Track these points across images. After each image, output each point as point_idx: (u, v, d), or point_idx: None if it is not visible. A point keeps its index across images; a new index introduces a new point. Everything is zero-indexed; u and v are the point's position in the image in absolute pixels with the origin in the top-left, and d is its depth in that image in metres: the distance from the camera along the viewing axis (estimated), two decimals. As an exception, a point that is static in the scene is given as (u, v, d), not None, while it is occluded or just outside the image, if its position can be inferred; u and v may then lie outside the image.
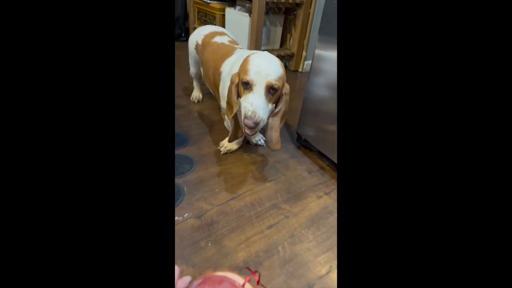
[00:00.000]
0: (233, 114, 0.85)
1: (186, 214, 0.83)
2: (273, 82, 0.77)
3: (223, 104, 1.02)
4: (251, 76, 0.77)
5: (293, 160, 1.14)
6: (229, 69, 0.98)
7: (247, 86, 0.79)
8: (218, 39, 1.21)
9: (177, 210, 0.84)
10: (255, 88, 0.77)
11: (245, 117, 0.77)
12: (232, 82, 0.84)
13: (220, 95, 1.04)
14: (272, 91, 0.79)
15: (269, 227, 0.82)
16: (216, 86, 1.06)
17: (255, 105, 0.76)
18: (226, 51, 1.08)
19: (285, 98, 0.84)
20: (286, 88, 0.84)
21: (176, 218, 0.81)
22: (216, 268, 0.69)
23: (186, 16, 2.63)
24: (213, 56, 1.11)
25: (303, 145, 1.23)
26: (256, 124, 0.76)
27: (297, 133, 1.20)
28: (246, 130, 0.80)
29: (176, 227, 0.78)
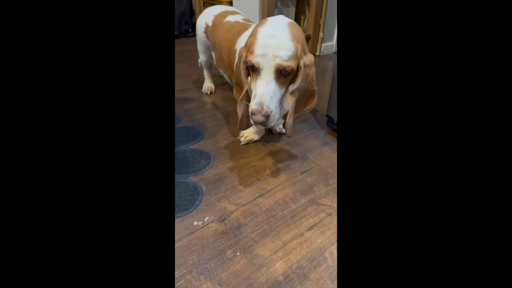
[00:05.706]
0: (242, 96, 0.70)
1: (207, 218, 0.68)
2: (284, 64, 0.61)
3: None
4: (256, 59, 0.62)
5: (326, 148, 0.97)
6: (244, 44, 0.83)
7: (254, 69, 0.65)
8: (231, 18, 1.06)
9: (195, 213, 0.70)
10: (262, 73, 0.63)
11: (252, 112, 0.63)
12: (240, 57, 0.69)
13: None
14: (284, 73, 0.63)
15: (310, 228, 0.66)
16: (231, 67, 0.92)
17: (261, 94, 0.62)
18: (241, 28, 0.94)
19: (304, 72, 0.65)
20: (308, 59, 0.66)
21: (195, 223, 0.67)
22: (249, 285, 0.54)
23: (192, 11, 2.52)
24: (227, 35, 0.97)
25: (335, 129, 1.05)
26: (267, 116, 0.63)
27: (327, 115, 1.03)
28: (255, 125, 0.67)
29: (196, 234, 0.64)
